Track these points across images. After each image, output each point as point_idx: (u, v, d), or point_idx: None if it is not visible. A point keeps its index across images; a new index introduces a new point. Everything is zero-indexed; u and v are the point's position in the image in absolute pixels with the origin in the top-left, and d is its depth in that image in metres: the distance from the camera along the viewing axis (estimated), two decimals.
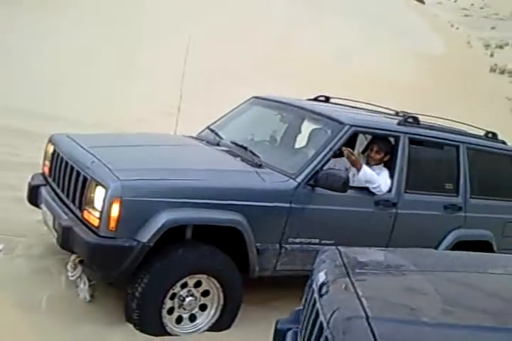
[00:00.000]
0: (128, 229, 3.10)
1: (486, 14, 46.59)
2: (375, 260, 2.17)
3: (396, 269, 2.06)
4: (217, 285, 3.42)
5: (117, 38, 12.89)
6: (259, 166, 3.69)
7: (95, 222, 3.13)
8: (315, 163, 3.66)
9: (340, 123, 3.82)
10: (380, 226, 3.98)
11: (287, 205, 3.55)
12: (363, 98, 4.92)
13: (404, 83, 16.21)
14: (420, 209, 4.11)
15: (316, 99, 4.89)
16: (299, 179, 3.60)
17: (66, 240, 3.26)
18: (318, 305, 1.79)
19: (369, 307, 1.59)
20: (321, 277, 1.94)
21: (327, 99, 4.93)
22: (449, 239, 4.24)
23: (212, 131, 4.50)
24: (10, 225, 4.47)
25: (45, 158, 4.11)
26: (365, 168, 3.85)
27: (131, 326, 3.32)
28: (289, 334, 2.25)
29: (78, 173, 3.39)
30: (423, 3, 42.65)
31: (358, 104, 4.84)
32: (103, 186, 3.12)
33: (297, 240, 3.68)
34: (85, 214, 3.24)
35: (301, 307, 2.36)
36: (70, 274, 3.48)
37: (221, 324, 3.52)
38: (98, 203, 3.14)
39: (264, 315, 3.67)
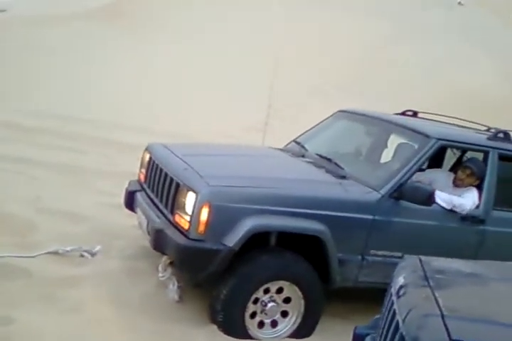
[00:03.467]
0: (216, 233, 3.26)
1: None
2: (456, 268, 2.17)
3: (477, 277, 2.06)
4: (299, 292, 3.49)
5: (206, 59, 13.39)
6: (343, 177, 3.75)
7: (185, 225, 3.31)
8: (400, 175, 3.67)
9: (427, 136, 3.81)
10: (466, 243, 3.90)
11: (370, 217, 3.58)
12: (454, 115, 4.86)
13: (498, 100, 15.62)
14: (510, 227, 4.00)
15: (403, 114, 4.89)
16: (383, 191, 3.63)
17: (158, 242, 3.47)
18: (395, 306, 1.83)
19: (444, 307, 1.62)
20: (400, 281, 1.98)
21: (415, 114, 4.91)
22: None
23: (297, 143, 4.62)
24: (107, 229, 4.80)
25: (141, 166, 4.39)
26: (438, 194, 3.77)
27: (215, 327, 3.47)
28: (367, 339, 2.29)
29: (171, 180, 3.61)
30: None
31: (447, 120, 4.79)
32: (194, 191, 3.31)
33: (379, 252, 3.69)
34: (176, 217, 3.44)
35: (380, 315, 2.39)
36: (160, 275, 3.68)
37: (301, 331, 3.58)
38: (189, 208, 3.33)
39: (343, 327, 3.69)
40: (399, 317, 1.72)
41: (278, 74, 9.31)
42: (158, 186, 3.82)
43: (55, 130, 8.21)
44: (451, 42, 17.66)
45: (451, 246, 3.82)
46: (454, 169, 4.44)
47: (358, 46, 15.96)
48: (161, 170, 3.83)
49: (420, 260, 2.21)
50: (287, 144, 4.80)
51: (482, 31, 18.83)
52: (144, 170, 4.28)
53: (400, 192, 3.60)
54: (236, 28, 15.57)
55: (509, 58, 17.95)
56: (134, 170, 4.84)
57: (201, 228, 3.24)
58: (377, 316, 2.58)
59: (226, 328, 3.41)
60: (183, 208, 3.40)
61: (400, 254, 3.70)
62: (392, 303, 1.88)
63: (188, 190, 3.38)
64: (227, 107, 11.05)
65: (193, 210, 3.26)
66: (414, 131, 3.94)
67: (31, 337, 3.18)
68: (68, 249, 4.24)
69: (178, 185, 3.51)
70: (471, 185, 3.99)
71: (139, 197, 4.09)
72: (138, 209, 4.01)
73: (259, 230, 3.28)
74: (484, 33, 18.99)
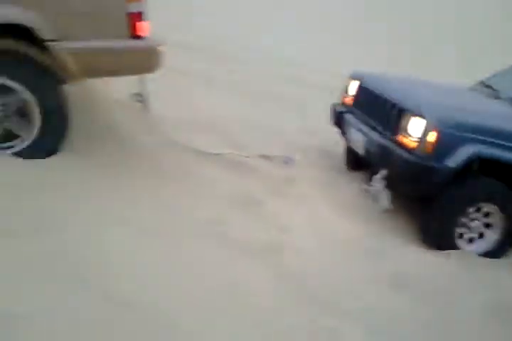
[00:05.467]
0: (439, 154, 3.82)
1: None
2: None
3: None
4: (501, 214, 4.04)
5: None
6: None
7: (411, 145, 3.90)
8: None
9: None
10: None
11: None
12: None
13: None
14: None
15: None
16: None
17: (380, 156, 4.10)
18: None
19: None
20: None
21: None
22: None
23: (486, 85, 5.02)
24: (299, 143, 5.53)
25: (346, 91, 4.96)
26: None
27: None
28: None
29: (394, 105, 4.17)
30: None
31: None
32: (423, 117, 3.86)
33: None
34: (400, 137, 4.03)
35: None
36: (373, 185, 4.30)
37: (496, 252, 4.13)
38: (415, 130, 3.90)
39: None
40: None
41: None
42: (375, 110, 4.40)
43: None
44: None
45: None
46: None
47: None
48: (378, 96, 4.39)
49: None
50: (474, 85, 5.20)
51: None
52: (350, 95, 4.86)
53: None
54: None
55: None
56: None
57: (429, 149, 3.82)
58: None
59: (437, 243, 3.99)
60: (407, 131, 3.98)
61: None
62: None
63: (415, 116, 3.94)
64: None
65: (422, 133, 3.83)
66: None
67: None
68: (276, 155, 4.98)
69: (402, 111, 4.07)
70: None
71: (349, 118, 4.70)
72: (350, 128, 4.62)
73: (481, 157, 3.84)
74: None
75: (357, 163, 5.10)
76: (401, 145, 4.00)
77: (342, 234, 3.96)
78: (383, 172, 4.17)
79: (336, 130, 5.09)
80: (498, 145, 3.88)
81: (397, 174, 4.05)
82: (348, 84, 4.95)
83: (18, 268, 2.38)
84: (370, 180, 4.36)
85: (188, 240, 3.12)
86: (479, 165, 4.02)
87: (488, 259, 4.03)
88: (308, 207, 4.20)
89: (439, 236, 4.02)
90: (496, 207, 4.02)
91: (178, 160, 4.19)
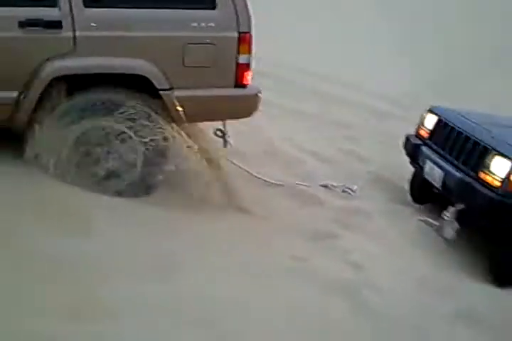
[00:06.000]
0: None
1: None
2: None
3: None
4: None
5: None
6: None
7: (494, 183, 4.11)
8: None
9: None
10: None
11: None
12: None
13: None
14: None
15: None
16: None
17: (461, 192, 4.34)
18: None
19: None
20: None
21: None
22: None
23: None
24: (357, 172, 5.70)
25: (422, 124, 5.19)
26: None
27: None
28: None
29: (476, 143, 4.40)
30: None
31: None
32: (507, 158, 4.10)
33: None
34: (481, 175, 4.25)
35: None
36: (445, 216, 4.52)
37: None
38: (498, 169, 4.10)
39: None
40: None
41: None
42: (455, 146, 4.63)
43: None
44: None
45: None
46: None
47: None
48: (460, 133, 4.62)
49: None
50: None
51: None
52: (427, 129, 5.10)
53: None
54: None
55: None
56: None
57: (511, 187, 4.06)
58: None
59: (504, 279, 4.15)
60: (489, 168, 4.22)
61: None
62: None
63: (498, 155, 4.17)
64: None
65: (507, 173, 4.06)
66: None
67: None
68: (335, 184, 5.13)
69: (485, 149, 4.30)
70: None
71: (426, 150, 4.94)
72: (427, 161, 4.86)
73: None
74: None
75: (426, 195, 5.28)
76: (483, 183, 4.23)
77: (415, 271, 4.06)
78: (460, 206, 4.38)
79: (396, 159, 5.29)
80: None
81: (479, 209, 4.26)
82: (425, 117, 5.18)
83: (150, 311, 2.56)
84: (440, 213, 4.57)
85: (280, 276, 3.30)
86: None
87: None
88: (380, 242, 4.31)
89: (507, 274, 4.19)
90: None
91: (253, 194, 4.34)
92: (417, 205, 5.35)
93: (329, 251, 3.96)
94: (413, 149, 5.07)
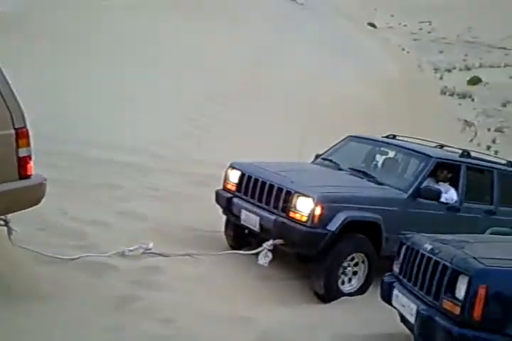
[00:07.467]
0: (323, 222, 5.15)
1: (433, 38, 50.32)
2: (452, 238, 4.27)
3: (466, 241, 4.20)
4: (365, 259, 5.48)
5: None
6: (381, 184, 5.79)
7: (302, 218, 5.14)
8: (417, 182, 5.80)
9: (429, 156, 6.00)
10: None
11: (402, 209, 5.65)
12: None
13: (364, 105, 17.43)
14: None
15: (387, 137, 7.01)
16: (409, 192, 5.73)
17: (278, 230, 5.26)
18: (435, 258, 3.80)
19: (471, 253, 3.70)
20: (428, 246, 4.01)
21: (394, 137, 7.04)
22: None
23: (327, 160, 6.55)
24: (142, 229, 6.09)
25: (227, 179, 6.04)
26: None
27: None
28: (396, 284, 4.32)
29: (280, 189, 5.38)
30: (375, 27, 45.90)
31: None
32: (309, 197, 5.13)
33: (403, 232, 5.71)
34: (291, 214, 5.24)
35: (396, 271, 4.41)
36: (266, 245, 5.44)
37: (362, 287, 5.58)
38: (303, 207, 5.16)
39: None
40: (445, 262, 3.68)
41: None
42: (262, 193, 5.56)
43: None
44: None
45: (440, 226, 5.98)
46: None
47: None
48: (263, 182, 5.57)
49: (425, 236, 4.36)
50: (314, 160, 6.71)
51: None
52: (233, 182, 5.95)
53: (419, 193, 5.71)
54: None
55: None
56: None
57: (316, 220, 5.11)
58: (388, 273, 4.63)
59: (327, 290, 5.30)
60: (295, 208, 5.22)
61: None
62: (429, 258, 3.88)
63: (301, 196, 5.20)
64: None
65: (311, 209, 5.09)
66: (418, 152, 6.11)
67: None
68: (131, 248, 5.32)
69: (288, 193, 5.30)
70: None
71: (238, 201, 5.79)
72: (242, 210, 5.69)
73: (350, 220, 5.21)
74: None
75: (242, 240, 6.19)
76: (294, 220, 5.22)
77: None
78: (277, 241, 5.36)
79: None
80: (360, 209, 5.33)
81: (296, 240, 5.25)
82: (229, 173, 6.04)
83: None
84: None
85: None
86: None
87: None
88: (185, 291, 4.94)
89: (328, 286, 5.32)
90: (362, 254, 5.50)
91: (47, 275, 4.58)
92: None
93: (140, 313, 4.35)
94: (226, 202, 5.90)
